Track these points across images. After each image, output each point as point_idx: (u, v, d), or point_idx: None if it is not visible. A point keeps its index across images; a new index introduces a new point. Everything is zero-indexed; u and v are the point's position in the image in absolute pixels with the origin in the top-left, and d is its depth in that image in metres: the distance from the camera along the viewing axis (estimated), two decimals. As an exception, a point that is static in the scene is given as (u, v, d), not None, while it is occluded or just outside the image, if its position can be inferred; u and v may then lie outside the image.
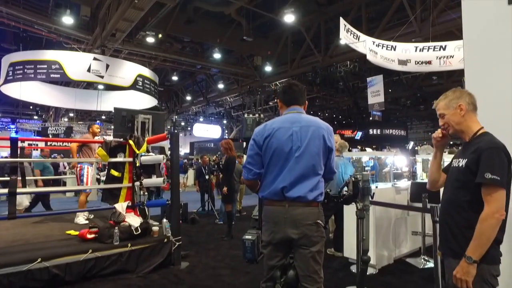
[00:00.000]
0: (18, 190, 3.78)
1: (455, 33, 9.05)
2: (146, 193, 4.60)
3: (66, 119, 23.14)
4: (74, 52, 10.92)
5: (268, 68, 15.14)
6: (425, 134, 26.63)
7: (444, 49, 8.11)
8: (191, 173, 15.77)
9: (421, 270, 4.13)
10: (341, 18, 7.91)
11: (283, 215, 1.91)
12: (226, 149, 5.82)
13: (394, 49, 8.51)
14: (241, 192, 8.11)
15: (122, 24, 9.52)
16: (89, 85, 14.67)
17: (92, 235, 3.82)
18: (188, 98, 22.05)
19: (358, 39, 8.23)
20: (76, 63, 9.78)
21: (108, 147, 4.22)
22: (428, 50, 8.28)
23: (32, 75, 9.62)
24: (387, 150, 15.02)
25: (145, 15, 9.26)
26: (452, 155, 1.91)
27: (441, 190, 1.90)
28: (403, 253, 4.58)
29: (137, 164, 4.28)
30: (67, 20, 10.08)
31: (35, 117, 24.65)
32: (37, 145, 9.85)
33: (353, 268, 3.96)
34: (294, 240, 1.90)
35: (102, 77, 9.97)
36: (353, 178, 2.56)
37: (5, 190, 3.51)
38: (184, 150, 28.27)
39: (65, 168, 11.73)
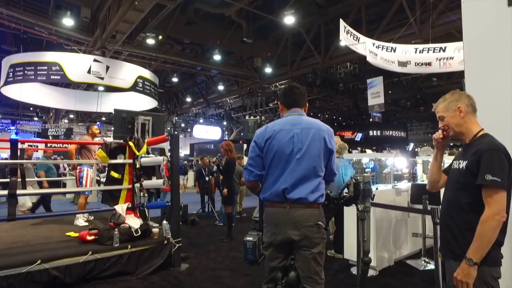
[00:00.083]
0: (19, 191, 3.78)
1: (455, 35, 9.06)
2: (146, 195, 4.59)
3: (66, 121, 23.14)
4: (74, 53, 10.94)
5: (268, 70, 15.16)
6: (425, 136, 26.65)
7: (444, 50, 8.12)
8: (191, 174, 15.77)
9: (422, 272, 4.12)
10: (341, 20, 7.92)
11: (284, 217, 1.92)
12: (226, 151, 5.81)
13: (394, 51, 8.52)
14: (241, 194, 8.11)
15: (122, 25, 9.53)
16: (89, 87, 14.68)
17: (92, 237, 3.81)
18: (188, 99, 22.06)
19: (358, 41, 8.24)
20: (76, 64, 9.80)
21: (108, 149, 4.22)
22: (428, 52, 8.29)
23: (33, 77, 9.64)
24: (387, 152, 15.02)
25: (145, 16, 9.28)
26: (452, 157, 1.91)
27: (442, 191, 1.90)
28: (404, 255, 4.57)
29: (137, 166, 4.28)
30: (68, 21, 10.11)
31: (35, 118, 24.64)
32: (37, 146, 9.86)
33: (354, 270, 3.95)
34: (295, 242, 1.91)
35: (102, 78, 10.00)
36: (353, 180, 2.55)
37: (5, 192, 3.50)
38: (184, 151, 28.27)
39: (65, 169, 11.73)
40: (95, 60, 9.95)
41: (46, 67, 9.50)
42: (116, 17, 9.11)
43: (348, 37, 8.06)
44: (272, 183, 1.97)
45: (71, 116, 22.17)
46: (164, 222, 4.20)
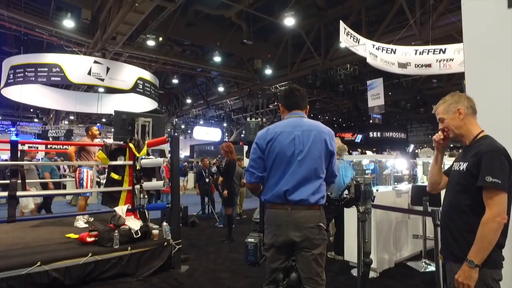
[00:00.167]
0: (19, 193, 3.77)
1: (454, 36, 9.07)
2: (146, 196, 4.59)
3: (66, 122, 23.14)
4: (74, 55, 10.95)
5: (268, 71, 15.17)
6: (425, 137, 26.66)
7: (444, 52, 8.12)
8: (191, 176, 15.76)
9: (422, 274, 4.11)
10: (341, 22, 7.94)
11: (285, 218, 1.93)
12: (226, 152, 5.81)
13: (394, 52, 8.53)
14: (241, 195, 8.09)
15: (122, 27, 9.54)
16: (90, 88, 14.70)
17: (92, 239, 3.80)
18: (188, 101, 22.07)
19: (358, 42, 8.25)
20: (77, 66, 9.82)
21: (108, 150, 4.22)
22: (428, 53, 8.30)
23: (33, 78, 9.65)
24: (387, 153, 15.02)
25: (145, 18, 9.29)
26: (453, 158, 1.91)
27: (442, 193, 1.90)
28: (404, 257, 4.56)
29: (137, 167, 4.28)
30: (68, 23, 10.13)
31: (36, 120, 24.65)
32: (37, 148, 9.86)
33: (354, 272, 3.94)
34: (296, 243, 1.92)
35: (102, 80, 10.01)
36: (354, 182, 2.56)
37: (5, 193, 3.50)
38: (184, 153, 28.26)
39: (65, 171, 11.72)
40: (95, 62, 9.96)
41: (46, 69, 9.52)
42: (116, 18, 9.13)
43: (348, 39, 8.07)
44: (274, 185, 1.98)
45: (71, 117, 22.17)
46: (164, 223, 4.20)
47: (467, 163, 1.64)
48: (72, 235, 4.18)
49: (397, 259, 4.41)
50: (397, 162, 6.66)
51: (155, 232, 4.11)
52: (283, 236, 1.93)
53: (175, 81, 19.37)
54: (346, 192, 2.69)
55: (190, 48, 14.68)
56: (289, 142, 1.97)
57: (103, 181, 5.58)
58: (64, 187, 10.44)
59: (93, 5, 10.99)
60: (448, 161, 2.86)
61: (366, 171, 6.71)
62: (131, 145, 4.22)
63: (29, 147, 8.48)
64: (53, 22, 10.49)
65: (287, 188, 1.93)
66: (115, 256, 3.63)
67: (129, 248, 3.74)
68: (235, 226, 6.17)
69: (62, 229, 4.61)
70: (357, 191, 2.53)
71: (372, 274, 3.86)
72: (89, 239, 3.80)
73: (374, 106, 11.38)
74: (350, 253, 4.20)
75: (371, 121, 16.13)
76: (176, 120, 24.80)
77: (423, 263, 4.32)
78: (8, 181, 3.60)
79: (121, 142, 4.34)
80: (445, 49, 8.11)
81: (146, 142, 4.38)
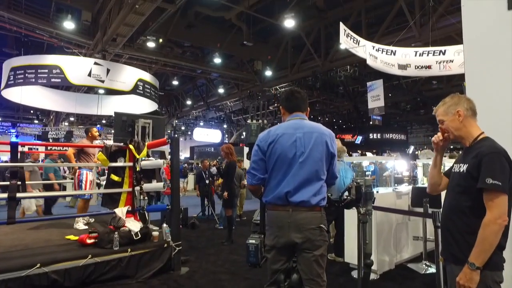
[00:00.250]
0: (19, 194, 3.77)
1: (454, 38, 9.08)
2: (146, 198, 4.58)
3: (66, 124, 23.14)
4: (75, 56, 10.97)
5: (268, 73, 15.19)
6: (425, 139, 26.64)
7: (443, 53, 8.13)
8: (191, 177, 15.74)
9: (423, 276, 4.10)
10: (341, 23, 7.95)
11: (287, 220, 1.95)
12: (226, 154, 5.80)
13: (394, 54, 8.54)
14: (242, 197, 8.08)
15: (123, 29, 9.56)
16: (90, 90, 14.70)
17: (92, 240, 3.80)
18: (189, 102, 22.08)
19: (358, 44, 8.26)
20: (77, 67, 9.83)
21: (108, 152, 4.22)
22: (427, 55, 8.30)
23: (33, 80, 9.67)
24: (387, 155, 15.01)
25: (145, 20, 9.31)
26: (453, 160, 1.91)
27: (443, 194, 1.90)
28: (405, 258, 4.55)
29: (137, 169, 4.27)
30: (68, 25, 10.15)
31: (36, 121, 24.66)
32: (37, 149, 9.85)
33: (354, 274, 3.94)
34: (297, 244, 1.94)
35: (102, 81, 10.02)
36: (355, 183, 2.56)
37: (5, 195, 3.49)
38: (184, 154, 28.25)
39: (65, 172, 11.71)
40: (95, 63, 9.98)
41: (46, 70, 9.53)
42: (116, 20, 9.14)
43: (348, 40, 8.08)
44: (275, 186, 2.00)
45: (72, 119, 22.17)
46: (164, 225, 4.19)
47: (467, 165, 1.63)
48: (72, 237, 4.17)
49: (397, 261, 4.40)
50: (397, 164, 6.66)
51: (155, 233, 4.11)
52: (284, 238, 1.95)
53: (175, 82, 19.39)
54: (346, 193, 2.69)
55: (190, 49, 14.70)
56: (290, 144, 1.99)
57: (103, 183, 5.58)
58: (64, 188, 10.42)
59: (93, 7, 11.01)
60: (448, 163, 2.86)
61: (366, 173, 6.70)
62: (131, 146, 4.21)
63: (29, 148, 8.46)
64: (53, 24, 10.51)
65: (289, 190, 1.94)
66: (115, 258, 3.62)
67: (129, 250, 3.73)
68: (235, 228, 6.16)
69: (62, 231, 4.61)
70: (358, 193, 2.53)
71: (372, 276, 3.85)
72: (89, 241, 3.79)
73: (374, 108, 11.39)
74: (351, 255, 4.19)
75: (371, 123, 16.15)
76: (176, 121, 24.81)
77: (424, 265, 4.31)
78: (8, 183, 3.59)
79: (121, 144, 4.34)
80: (445, 50, 8.12)
81: (146, 143, 4.37)
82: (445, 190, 1.85)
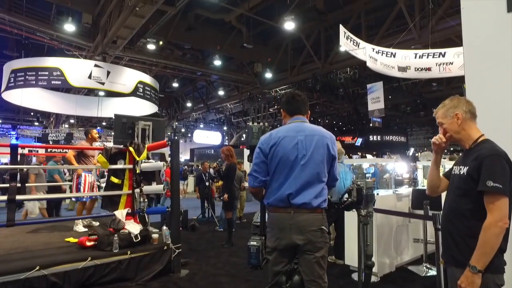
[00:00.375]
0: (20, 197, 3.76)
1: (454, 40, 9.10)
2: (146, 200, 4.58)
3: (66, 126, 23.15)
4: (75, 59, 10.99)
5: (268, 75, 15.21)
6: (425, 141, 26.63)
7: (443, 56, 8.14)
8: (191, 179, 15.73)
9: (423, 278, 4.09)
10: (340, 26, 7.96)
11: (288, 222, 1.96)
12: (227, 156, 5.80)
13: (394, 56, 8.55)
14: (242, 199, 8.07)
15: (123, 31, 9.58)
16: (90, 92, 14.72)
17: (92, 243, 3.79)
18: (189, 104, 22.11)
19: (358, 46, 8.27)
20: (77, 70, 9.84)
21: (108, 154, 4.21)
22: (427, 57, 8.32)
23: (34, 82, 9.68)
24: (387, 157, 15.02)
25: (146, 22, 9.32)
26: (453, 162, 1.91)
27: (443, 196, 1.89)
28: (405, 261, 4.54)
29: (137, 171, 4.27)
30: (69, 27, 10.16)
31: (36, 123, 24.68)
32: (37, 151, 9.84)
33: (355, 276, 3.92)
34: (299, 246, 1.95)
35: (103, 83, 10.03)
36: (355, 185, 2.57)
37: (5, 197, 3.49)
38: (184, 156, 28.25)
39: (65, 174, 11.70)
40: (96, 66, 9.99)
41: (47, 72, 9.54)
42: (117, 22, 9.16)
43: (348, 43, 8.10)
44: (277, 189, 2.01)
45: (72, 121, 22.18)
46: (164, 227, 4.19)
47: (467, 167, 1.63)
48: (71, 239, 4.16)
49: (398, 263, 4.39)
50: (397, 166, 6.66)
51: (155, 236, 4.10)
52: (286, 239, 1.96)
53: (175, 84, 19.41)
54: (346, 195, 2.69)
55: (190, 52, 14.73)
56: (292, 147, 2.01)
57: (103, 185, 5.58)
58: (64, 191, 10.41)
59: (94, 10, 11.03)
60: (448, 165, 2.86)
61: (366, 175, 6.71)
62: (131, 148, 4.21)
63: (29, 150, 8.45)
64: (54, 26, 10.53)
65: (291, 192, 1.96)
66: (114, 261, 3.61)
67: (129, 252, 3.72)
68: (235, 230, 6.14)
69: (62, 233, 4.60)
70: (359, 195, 2.55)
71: (373, 278, 3.83)
72: (88, 243, 3.78)
73: (374, 110, 11.40)
74: (351, 257, 4.17)
75: (371, 125, 16.16)
76: (176, 123, 24.81)
77: (424, 268, 4.29)
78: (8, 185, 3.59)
79: (121, 146, 4.33)
80: (444, 52, 8.14)
81: (146, 145, 4.37)
82: (445, 192, 1.84)
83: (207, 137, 26.62)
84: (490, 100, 2.32)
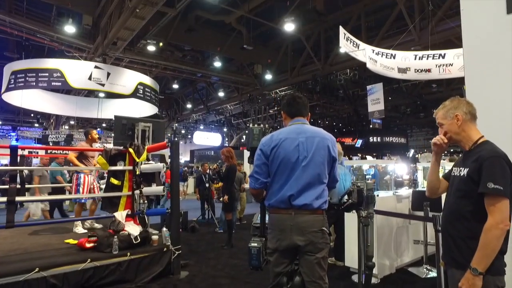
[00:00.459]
0: (19, 198, 3.75)
1: (454, 42, 9.11)
2: (145, 202, 4.57)
3: (66, 127, 23.17)
4: (75, 60, 11.00)
5: (268, 76, 15.21)
6: (425, 142, 26.64)
7: (443, 57, 8.16)
8: (191, 181, 15.71)
9: (424, 280, 4.08)
10: (340, 27, 7.98)
11: (289, 223, 1.98)
12: (227, 157, 5.79)
13: (394, 57, 8.57)
14: (242, 200, 8.06)
15: (123, 32, 9.59)
16: (90, 93, 14.73)
17: (91, 244, 3.78)
18: (189, 106, 22.11)
19: (358, 48, 8.28)
20: (78, 71, 9.86)
21: (108, 155, 4.21)
22: (427, 58, 8.33)
23: (34, 83, 9.70)
24: (387, 158, 15.01)
25: (146, 24, 9.34)
26: (452, 163, 1.90)
27: (443, 198, 1.89)
28: (405, 262, 4.52)
29: (137, 173, 4.27)
30: (69, 29, 10.19)
31: (36, 124, 24.65)
32: (37, 153, 9.86)
33: (355, 278, 3.91)
34: (300, 247, 1.96)
35: (103, 85, 10.04)
36: (356, 187, 2.57)
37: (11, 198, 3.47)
38: (184, 158, 28.22)
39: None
40: (96, 67, 10.00)
41: (47, 74, 9.56)
42: (117, 24, 9.17)
43: (348, 44, 8.11)
44: (278, 190, 2.03)
45: (72, 122, 22.21)
46: (164, 229, 4.18)
47: (467, 169, 1.63)
48: (71, 241, 4.15)
49: (398, 265, 4.38)
50: (397, 167, 6.66)
51: (155, 237, 4.09)
52: (287, 240, 1.97)
53: (175, 86, 19.43)
54: (346, 197, 2.69)
55: (190, 53, 14.75)
56: (293, 149, 2.02)
57: (103, 186, 5.58)
58: (64, 192, 10.42)
59: (94, 11, 11.06)
60: (448, 166, 2.85)
61: (367, 176, 6.70)
62: (131, 150, 4.21)
63: (29, 152, 8.47)
64: (54, 28, 10.55)
65: (292, 193, 1.97)
66: (114, 262, 3.60)
67: (128, 254, 3.71)
68: (235, 232, 6.14)
69: (61, 235, 4.59)
70: (359, 196, 2.55)
71: (373, 280, 3.82)
72: (88, 245, 3.77)
73: (374, 111, 11.40)
74: (351, 258, 4.16)
75: (371, 126, 16.14)
76: (176, 125, 24.82)
77: (425, 269, 4.28)
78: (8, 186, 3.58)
79: (121, 147, 4.33)
80: (444, 54, 8.15)
81: (146, 147, 4.37)
82: (445, 194, 1.84)
83: (207, 138, 26.62)
84: (490, 101, 2.31)
